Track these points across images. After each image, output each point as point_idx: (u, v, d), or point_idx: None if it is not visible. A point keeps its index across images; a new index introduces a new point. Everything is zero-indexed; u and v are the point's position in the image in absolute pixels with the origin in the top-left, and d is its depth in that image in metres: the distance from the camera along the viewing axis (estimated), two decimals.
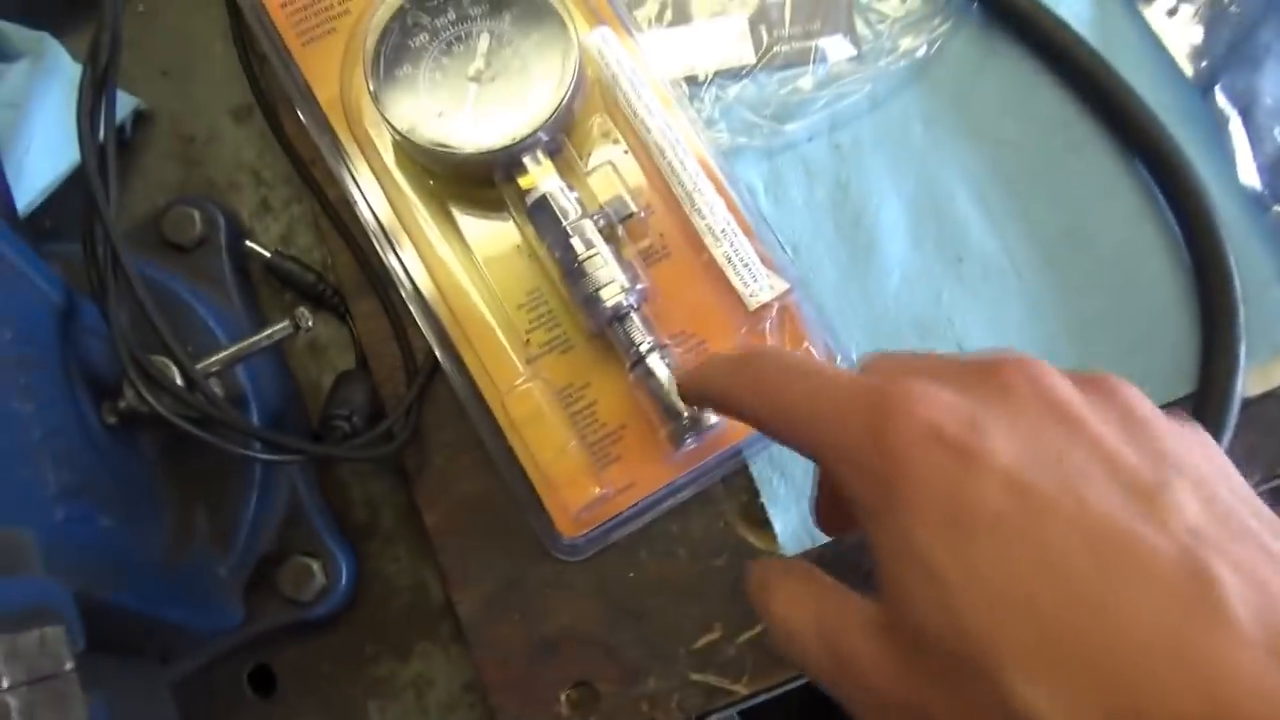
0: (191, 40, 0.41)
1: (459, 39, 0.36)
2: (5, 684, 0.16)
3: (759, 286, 0.35)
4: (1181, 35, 0.38)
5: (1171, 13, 0.38)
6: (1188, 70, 0.38)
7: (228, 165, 0.40)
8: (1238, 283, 0.35)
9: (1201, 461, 0.22)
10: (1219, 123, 0.37)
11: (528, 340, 0.36)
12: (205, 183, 0.40)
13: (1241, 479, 0.22)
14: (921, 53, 0.38)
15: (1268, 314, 0.36)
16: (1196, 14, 0.38)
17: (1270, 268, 0.37)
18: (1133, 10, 0.39)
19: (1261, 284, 0.36)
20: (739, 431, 0.35)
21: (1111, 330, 0.37)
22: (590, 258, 0.34)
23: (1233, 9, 0.38)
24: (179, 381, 0.30)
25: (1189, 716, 0.18)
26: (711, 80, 0.39)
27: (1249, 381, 0.36)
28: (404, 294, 0.36)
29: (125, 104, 0.39)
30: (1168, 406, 0.36)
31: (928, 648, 0.21)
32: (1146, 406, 0.23)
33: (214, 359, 0.32)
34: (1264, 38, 0.38)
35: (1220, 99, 0.37)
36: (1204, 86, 0.37)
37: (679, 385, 0.33)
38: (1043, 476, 0.21)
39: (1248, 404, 0.36)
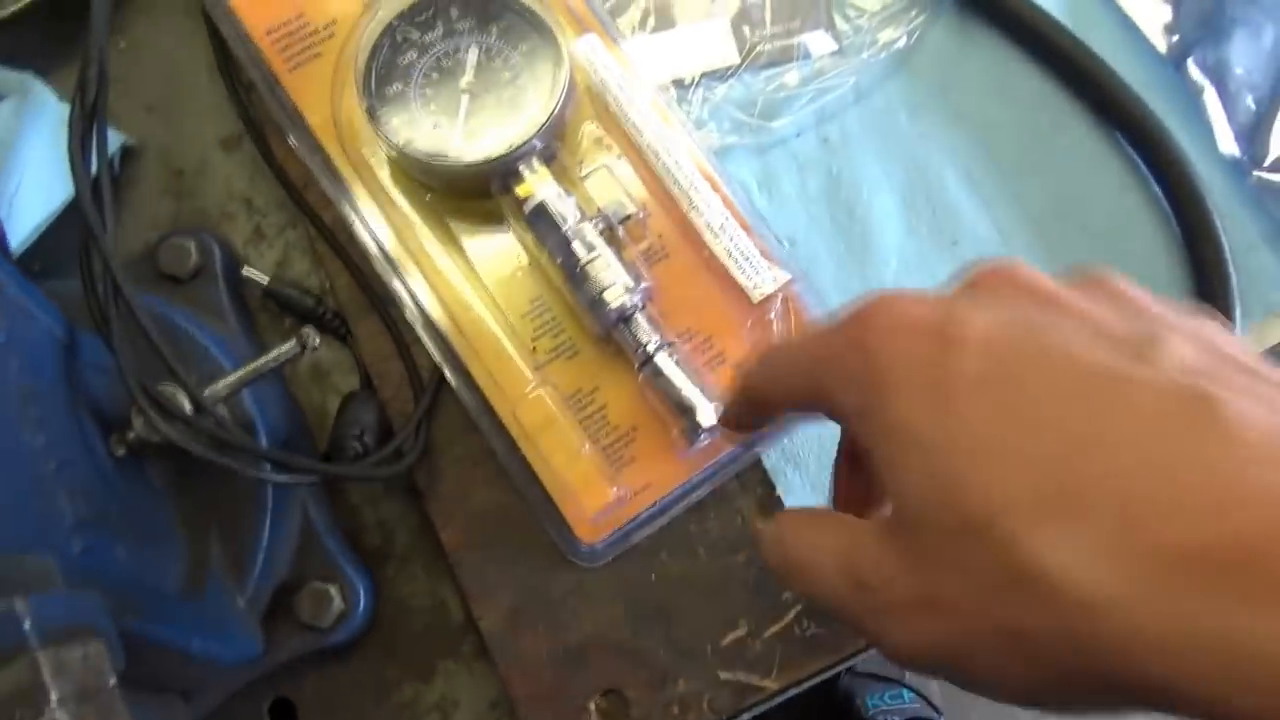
0: (176, 74, 0.41)
1: (448, 53, 0.36)
2: (54, 698, 0.15)
3: (762, 279, 0.35)
4: (1151, 12, 0.39)
5: None
6: (1160, 46, 0.39)
7: (219, 195, 0.40)
8: (1228, 250, 0.36)
9: (1202, 325, 0.21)
10: (1194, 94, 0.38)
11: (534, 348, 0.36)
12: (198, 214, 0.40)
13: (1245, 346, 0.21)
14: (901, 44, 0.39)
15: (1257, 275, 0.37)
16: None
17: (1255, 230, 0.37)
18: None
19: (1249, 247, 0.37)
20: None
21: None
22: (592, 261, 0.34)
23: None
24: (187, 408, 0.30)
25: (1205, 539, 0.17)
26: (698, 82, 0.39)
27: (1247, 341, 0.36)
28: (407, 311, 0.36)
29: (112, 141, 0.39)
30: None
31: (930, 526, 0.20)
32: (1139, 290, 0.23)
33: (222, 384, 0.31)
34: (1231, 10, 0.39)
35: (1194, 71, 0.38)
36: (1176, 60, 0.38)
37: (722, 421, 0.32)
38: (1025, 340, 0.20)
39: None
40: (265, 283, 0.38)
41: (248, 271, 0.38)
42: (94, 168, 0.33)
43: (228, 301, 0.37)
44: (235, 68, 0.40)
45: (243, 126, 0.40)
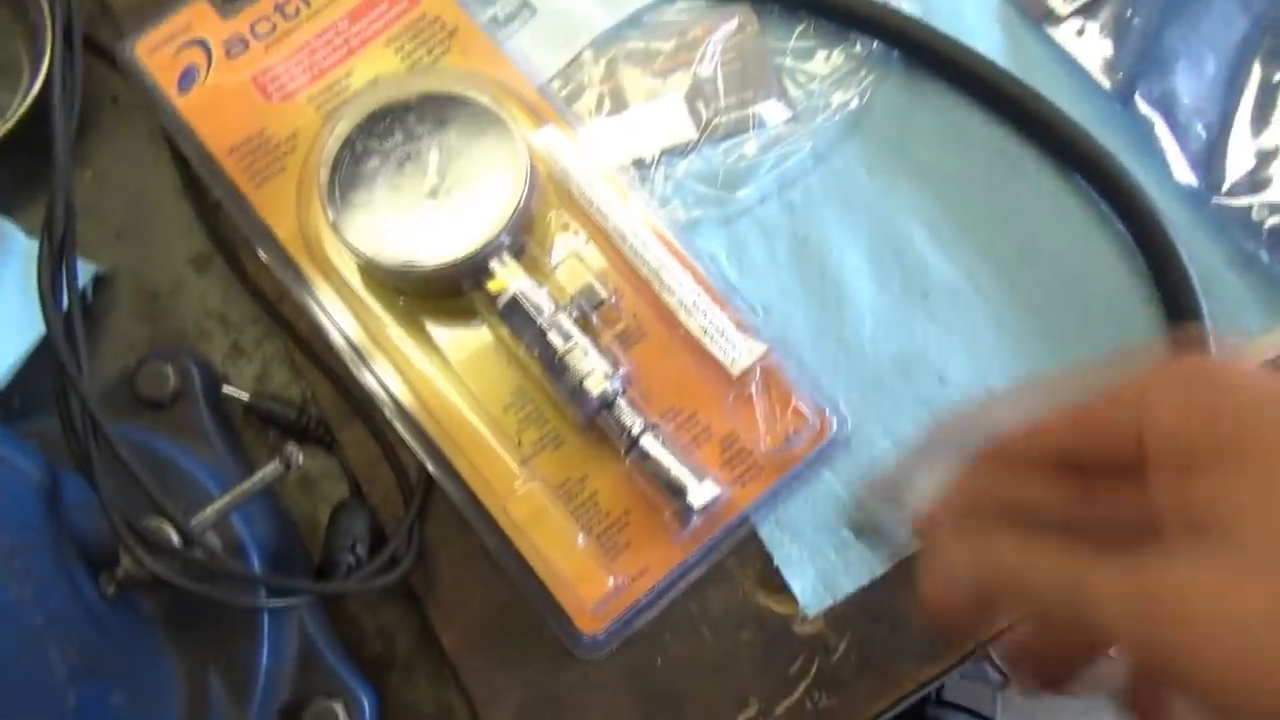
0: (143, 198, 0.41)
1: (409, 157, 0.36)
2: None
3: (738, 353, 0.35)
4: (1093, 52, 0.40)
5: (1080, 32, 0.40)
6: (1105, 84, 0.39)
7: (194, 315, 0.40)
8: (1195, 280, 0.36)
9: None
10: (1144, 128, 0.39)
11: (519, 441, 0.36)
12: (174, 335, 0.40)
13: None
14: (854, 105, 0.40)
15: (1227, 301, 0.37)
16: (1103, 30, 0.40)
17: (1220, 257, 0.38)
18: (1043, 35, 0.40)
19: (1214, 273, 0.37)
20: (743, 498, 0.35)
21: (1084, 340, 0.37)
22: (570, 351, 0.34)
23: (1135, 20, 0.40)
24: (175, 540, 0.30)
25: None
26: (659, 160, 0.40)
27: None
28: (389, 415, 0.36)
29: (84, 271, 0.39)
30: None
31: None
32: None
33: (207, 512, 0.31)
34: (1170, 42, 0.40)
35: (1141, 106, 0.39)
36: (1123, 96, 0.39)
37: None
38: None
39: None
40: (246, 399, 0.38)
41: (227, 390, 0.38)
42: (65, 304, 0.33)
43: (210, 422, 0.37)
44: (200, 187, 0.40)
45: (212, 245, 0.40)
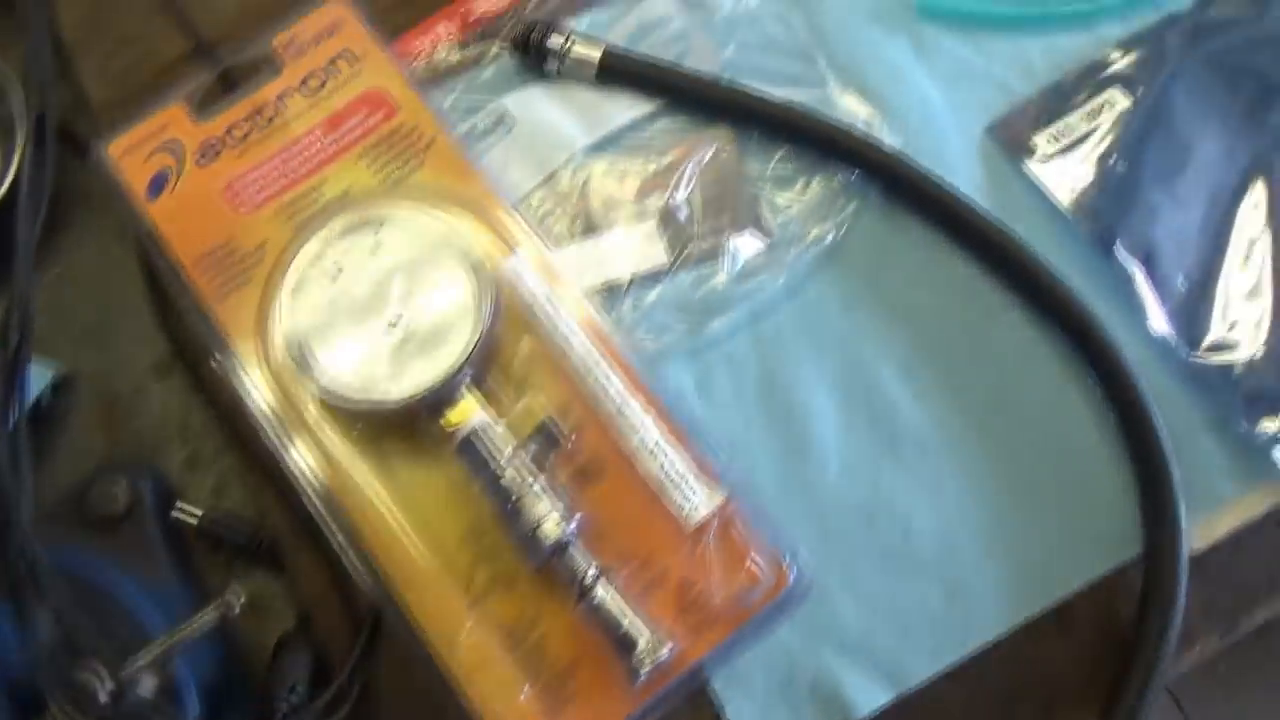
0: (109, 299, 0.41)
1: (372, 284, 0.36)
2: None
3: (694, 504, 0.35)
4: (1074, 195, 0.39)
5: (1062, 174, 0.39)
6: (1084, 229, 0.39)
7: (154, 423, 0.40)
8: (1166, 443, 0.35)
9: None
10: (1123, 276, 0.38)
11: (471, 579, 0.35)
12: (133, 442, 0.40)
13: None
14: (830, 238, 0.39)
15: (1201, 464, 0.36)
16: (1085, 173, 0.39)
17: (1196, 416, 0.37)
18: (1024, 173, 0.40)
19: (1190, 433, 0.37)
20: (697, 650, 0.35)
21: (1051, 498, 0.37)
22: (524, 495, 0.34)
23: (1119, 166, 0.39)
24: (105, 696, 0.29)
25: None
26: (630, 287, 0.39)
27: (1195, 535, 0.36)
28: (340, 543, 0.36)
29: (43, 374, 0.39)
30: (1115, 573, 0.36)
31: None
32: None
33: (142, 658, 0.31)
34: (1154, 189, 0.39)
35: (1121, 254, 0.38)
36: (1103, 243, 0.38)
37: None
38: None
39: (1197, 559, 0.35)
40: (196, 521, 0.37)
41: (178, 512, 0.37)
42: (12, 424, 0.33)
43: (160, 543, 0.37)
44: (165, 293, 0.40)
45: (174, 353, 0.40)
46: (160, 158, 0.40)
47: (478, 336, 0.35)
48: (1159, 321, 0.38)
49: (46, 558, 0.32)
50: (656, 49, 0.41)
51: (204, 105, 0.41)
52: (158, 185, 0.40)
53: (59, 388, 0.40)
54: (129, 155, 0.40)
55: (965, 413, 0.38)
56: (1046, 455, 0.37)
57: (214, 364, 0.37)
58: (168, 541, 0.37)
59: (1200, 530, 0.36)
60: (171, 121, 0.40)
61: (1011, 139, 0.40)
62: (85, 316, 0.41)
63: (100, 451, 0.40)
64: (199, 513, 0.37)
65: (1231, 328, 0.37)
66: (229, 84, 0.41)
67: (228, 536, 0.37)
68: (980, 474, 0.37)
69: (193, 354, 0.39)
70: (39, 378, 0.39)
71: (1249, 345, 0.37)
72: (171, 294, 0.39)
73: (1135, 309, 0.38)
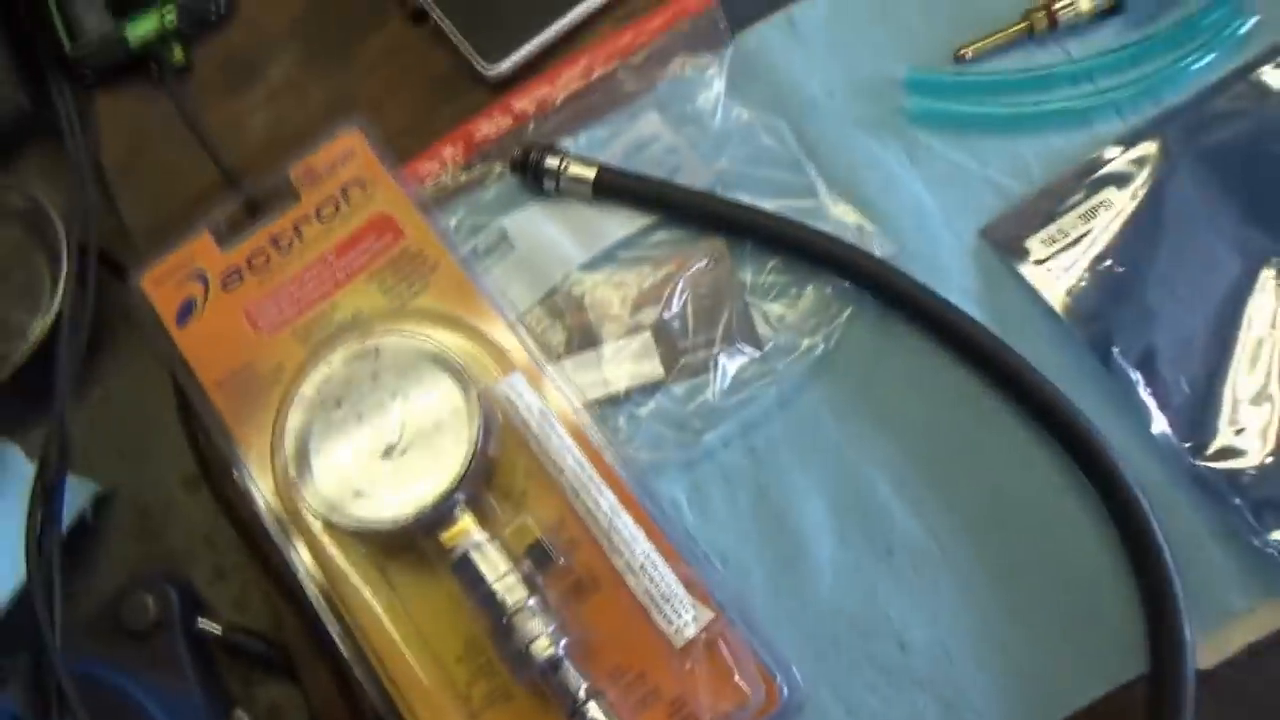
0: (145, 417, 0.44)
1: (374, 409, 0.38)
2: None
3: (683, 622, 0.35)
4: (1070, 299, 0.39)
5: (1058, 278, 0.39)
6: (1081, 334, 0.38)
7: (183, 535, 0.42)
8: (1169, 560, 0.34)
9: None
10: (1123, 381, 0.37)
11: (469, 695, 0.36)
12: (165, 554, 0.42)
13: None
14: (821, 348, 0.40)
15: (1209, 576, 0.35)
16: (1081, 277, 0.39)
17: (1202, 526, 0.36)
18: (1019, 277, 0.39)
19: (1196, 543, 0.36)
20: None
21: (1050, 610, 0.36)
22: (518, 612, 0.35)
23: (1116, 269, 0.39)
24: None
25: None
26: (625, 400, 0.40)
27: (1202, 653, 0.34)
28: (347, 657, 0.37)
29: (85, 491, 0.42)
30: (1121, 690, 0.35)
31: None
32: None
33: None
34: (1152, 293, 0.38)
35: (1120, 360, 0.37)
36: (1101, 348, 0.38)
37: None
38: None
39: (1205, 676, 0.34)
40: (218, 633, 0.39)
41: (202, 624, 0.39)
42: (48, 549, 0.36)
43: (185, 653, 0.39)
44: (194, 412, 0.42)
45: (200, 469, 0.42)
46: (188, 286, 0.43)
47: (469, 460, 0.36)
48: (1161, 426, 0.37)
49: (80, 669, 0.35)
50: (650, 165, 0.42)
51: (230, 232, 0.43)
52: (185, 312, 0.43)
53: (100, 504, 0.43)
54: (160, 285, 0.43)
55: (962, 523, 0.37)
56: (1046, 567, 0.37)
57: (235, 478, 0.40)
58: (192, 651, 0.39)
59: (1210, 646, 0.35)
60: (199, 251, 0.43)
61: (1006, 242, 0.40)
62: (124, 435, 0.44)
63: (137, 562, 0.42)
64: (219, 628, 0.39)
65: (1239, 433, 0.36)
66: (253, 210, 0.44)
67: (245, 647, 0.39)
68: (978, 586, 0.37)
69: (217, 471, 0.42)
70: (82, 494, 0.42)
71: (1257, 452, 0.36)
72: (199, 413, 0.41)
73: (1136, 414, 0.37)
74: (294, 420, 0.38)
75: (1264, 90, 0.40)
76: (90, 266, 0.43)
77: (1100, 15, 0.42)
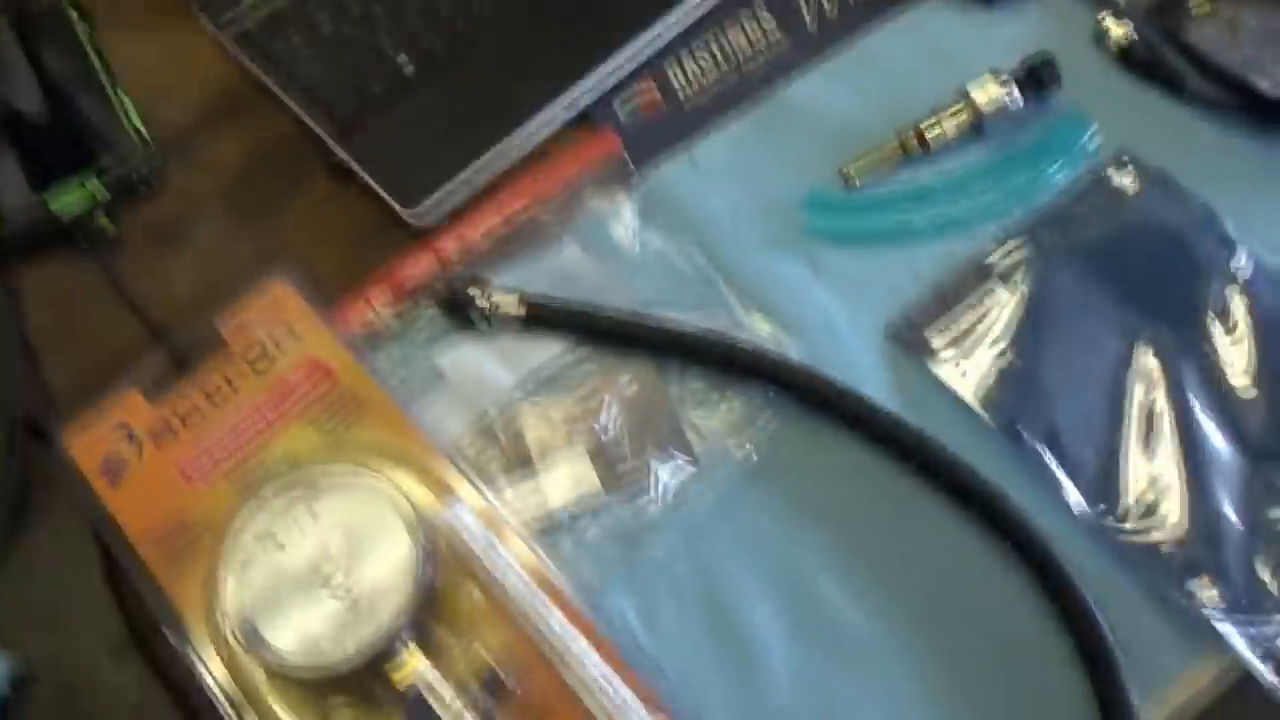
0: (69, 585, 0.42)
1: (312, 554, 0.37)
2: None
3: None
4: (974, 388, 0.41)
5: (962, 372, 0.42)
6: (991, 418, 0.41)
7: (109, 706, 0.40)
8: (1105, 627, 0.36)
9: None
10: (1034, 460, 0.40)
11: None
12: None
13: None
14: (753, 454, 0.41)
15: (1147, 642, 0.36)
16: (980, 368, 0.42)
17: (1134, 593, 0.37)
18: (926, 371, 0.42)
19: (1132, 612, 0.37)
20: None
21: (1000, 691, 0.37)
22: None
23: (1010, 358, 0.42)
24: None
25: None
26: (566, 520, 0.41)
27: (1148, 713, 0.35)
28: None
29: (3, 670, 0.40)
30: None
31: None
32: None
33: None
34: (1047, 377, 0.41)
35: (1027, 439, 0.40)
36: (1008, 431, 0.40)
37: None
38: None
39: None
40: None
41: None
42: None
43: None
44: (122, 574, 0.41)
45: (129, 635, 0.40)
46: (118, 445, 0.42)
47: (411, 594, 0.36)
48: (1076, 499, 0.39)
49: None
50: (575, 294, 0.44)
51: (158, 388, 0.43)
52: (114, 470, 0.42)
53: (18, 684, 0.40)
54: (85, 444, 0.42)
55: (906, 614, 0.38)
56: (990, 648, 0.37)
57: (167, 638, 0.38)
58: None
59: (1154, 710, 0.36)
60: (130, 406, 0.43)
61: (909, 341, 0.43)
62: (46, 604, 0.42)
63: None
64: None
65: (1149, 501, 0.39)
66: (181, 365, 0.44)
67: None
68: (928, 674, 0.37)
69: (146, 632, 0.40)
70: (1, 673, 0.40)
71: (1172, 516, 0.38)
72: (127, 574, 0.40)
73: (1052, 491, 0.39)
74: (232, 568, 0.37)
75: (1116, 191, 0.45)
76: (17, 437, 0.43)
77: (964, 139, 0.47)
